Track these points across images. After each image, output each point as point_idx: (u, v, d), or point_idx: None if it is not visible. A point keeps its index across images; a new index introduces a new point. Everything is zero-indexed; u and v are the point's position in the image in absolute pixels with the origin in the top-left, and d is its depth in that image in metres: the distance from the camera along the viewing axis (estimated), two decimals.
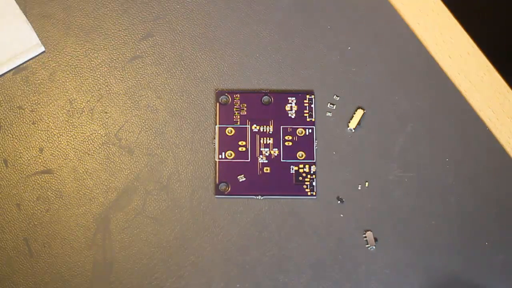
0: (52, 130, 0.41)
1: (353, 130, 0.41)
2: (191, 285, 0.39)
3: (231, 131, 0.41)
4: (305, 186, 0.40)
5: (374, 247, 0.40)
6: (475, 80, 0.42)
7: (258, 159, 0.41)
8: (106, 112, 0.41)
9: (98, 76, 0.42)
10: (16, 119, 0.41)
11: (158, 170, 0.41)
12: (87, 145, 0.41)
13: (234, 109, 0.41)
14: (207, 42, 0.42)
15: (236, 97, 0.41)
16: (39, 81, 0.41)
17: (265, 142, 0.41)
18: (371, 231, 0.40)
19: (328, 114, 0.42)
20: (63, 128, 0.41)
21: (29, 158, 0.40)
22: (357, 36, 0.43)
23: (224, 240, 0.40)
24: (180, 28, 0.43)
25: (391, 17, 0.43)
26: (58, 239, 0.39)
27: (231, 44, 0.42)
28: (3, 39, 0.41)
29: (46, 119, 0.41)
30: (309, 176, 0.40)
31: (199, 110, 0.41)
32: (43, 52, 0.42)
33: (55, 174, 0.40)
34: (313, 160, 0.41)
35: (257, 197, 0.40)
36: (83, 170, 0.40)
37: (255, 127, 0.41)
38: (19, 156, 0.40)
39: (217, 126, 0.41)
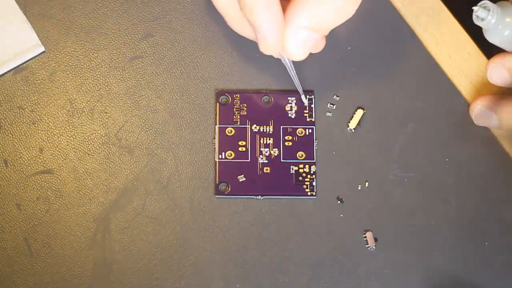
0: (52, 130, 0.41)
1: (353, 130, 0.41)
2: (191, 285, 0.39)
3: (231, 131, 0.41)
4: (305, 186, 0.40)
5: (374, 247, 0.40)
6: (475, 80, 0.42)
7: (258, 159, 0.41)
8: (106, 112, 0.41)
9: (98, 76, 0.42)
10: (16, 119, 0.41)
11: (158, 170, 0.41)
12: (87, 145, 0.41)
13: (234, 109, 0.41)
14: (207, 42, 0.42)
15: (236, 97, 0.41)
16: (39, 81, 0.41)
17: (265, 142, 0.41)
18: (371, 231, 0.40)
19: (328, 114, 0.42)
20: (63, 128, 0.41)
21: (29, 158, 0.40)
22: (357, 36, 0.43)
23: (224, 240, 0.40)
24: (180, 28, 0.43)
25: (391, 17, 0.43)
26: (58, 239, 0.39)
27: (231, 44, 0.42)
28: (3, 39, 0.41)
29: (46, 119, 0.41)
30: (309, 176, 0.40)
31: (199, 110, 0.42)
32: (43, 52, 0.42)
33: (55, 174, 0.40)
34: (313, 160, 0.41)
35: (257, 197, 0.40)
36: (83, 170, 0.40)
37: (255, 127, 0.41)
38: (19, 156, 0.40)
39: (217, 126, 0.41)
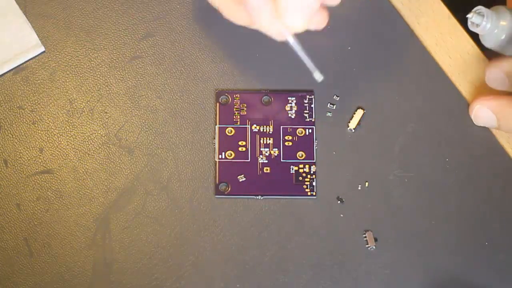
0: (52, 130, 0.41)
1: (353, 130, 0.41)
2: (191, 285, 0.39)
3: (231, 131, 0.41)
4: (305, 186, 0.40)
5: (374, 247, 0.40)
6: (475, 80, 0.42)
7: (258, 159, 0.41)
8: (106, 112, 0.41)
9: (98, 76, 0.42)
10: (16, 119, 0.41)
11: (158, 170, 0.41)
12: (87, 145, 0.41)
13: (234, 109, 0.41)
14: (207, 42, 0.42)
15: (236, 97, 0.41)
16: (39, 81, 0.41)
17: (265, 142, 0.41)
18: (371, 231, 0.40)
19: (328, 114, 0.42)
20: (63, 128, 0.41)
21: (29, 158, 0.40)
22: (357, 36, 0.43)
23: (224, 240, 0.40)
24: (180, 28, 0.43)
25: (391, 17, 0.43)
26: (58, 239, 0.39)
27: (231, 44, 0.42)
28: (3, 39, 0.41)
29: (46, 119, 0.41)
30: (309, 176, 0.40)
31: (199, 110, 0.42)
32: (43, 52, 0.42)
33: (55, 174, 0.40)
34: (313, 160, 0.41)
35: (257, 197, 0.40)
36: (83, 170, 0.40)
37: (255, 127, 0.41)
38: (19, 156, 0.40)
39: (217, 126, 0.41)
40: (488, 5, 0.37)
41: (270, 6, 0.33)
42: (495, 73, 0.39)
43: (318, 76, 0.37)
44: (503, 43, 0.37)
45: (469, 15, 0.36)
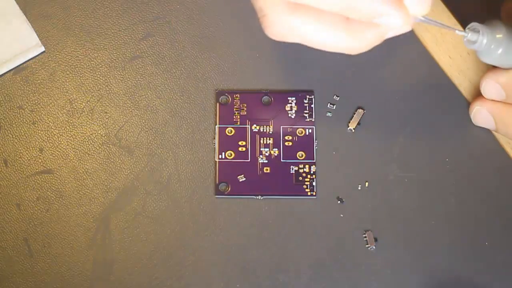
0: (52, 130, 0.41)
1: (353, 130, 0.41)
2: (191, 285, 0.39)
3: (231, 131, 0.41)
4: (305, 186, 0.40)
5: (374, 247, 0.40)
6: (475, 80, 0.42)
7: (258, 159, 0.41)
8: (106, 112, 0.41)
9: (98, 76, 0.42)
10: (16, 119, 0.41)
11: (158, 170, 0.41)
12: (87, 145, 0.41)
13: (234, 109, 0.41)
14: (207, 42, 0.42)
15: (236, 97, 0.41)
16: (39, 81, 0.41)
17: (265, 142, 0.41)
18: (371, 231, 0.40)
19: (328, 114, 0.42)
20: (63, 128, 0.41)
21: (29, 158, 0.40)
22: None
23: (224, 240, 0.40)
24: (180, 28, 0.43)
25: None
26: (58, 239, 0.39)
27: (231, 44, 0.42)
28: (3, 39, 0.41)
29: (46, 119, 0.41)
30: (309, 176, 0.40)
31: (199, 110, 0.42)
32: (43, 52, 0.42)
33: (55, 174, 0.40)
34: (313, 160, 0.41)
35: (257, 197, 0.40)
36: (83, 170, 0.40)
37: (255, 127, 0.41)
38: (19, 156, 0.40)
39: (217, 126, 0.41)
40: (487, 6, 0.37)
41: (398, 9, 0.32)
42: (491, 84, 0.39)
43: (459, 32, 0.36)
44: (500, 57, 0.36)
45: (464, 33, 0.35)
